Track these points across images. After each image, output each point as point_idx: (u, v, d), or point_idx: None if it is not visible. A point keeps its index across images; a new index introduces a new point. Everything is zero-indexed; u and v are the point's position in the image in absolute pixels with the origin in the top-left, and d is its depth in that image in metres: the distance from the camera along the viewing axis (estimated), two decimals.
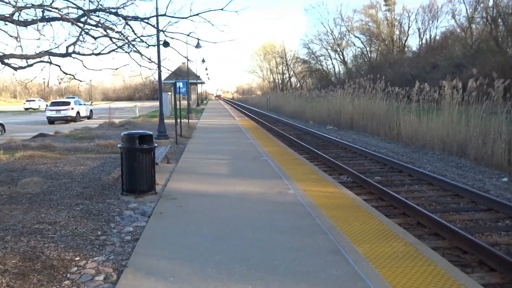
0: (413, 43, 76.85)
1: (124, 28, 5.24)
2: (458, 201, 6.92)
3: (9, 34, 4.83)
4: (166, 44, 8.61)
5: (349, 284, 3.17)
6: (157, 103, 16.85)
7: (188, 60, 20.79)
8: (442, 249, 4.73)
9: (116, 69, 6.78)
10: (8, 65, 5.39)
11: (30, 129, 20.38)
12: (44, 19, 4.21)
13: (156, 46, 7.13)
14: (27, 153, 9.26)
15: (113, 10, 4.28)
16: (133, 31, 5.33)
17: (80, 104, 27.71)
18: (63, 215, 4.94)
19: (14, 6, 3.92)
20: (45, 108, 50.75)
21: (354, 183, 8.21)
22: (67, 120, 25.49)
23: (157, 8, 8.46)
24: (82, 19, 4.22)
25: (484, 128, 11.75)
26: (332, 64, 64.46)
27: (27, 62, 5.59)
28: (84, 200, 5.67)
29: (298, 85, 73.49)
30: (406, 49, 53.35)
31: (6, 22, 4.32)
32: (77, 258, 3.75)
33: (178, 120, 13.39)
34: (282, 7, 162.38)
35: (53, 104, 26.51)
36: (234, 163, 8.89)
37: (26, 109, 50.66)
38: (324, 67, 66.31)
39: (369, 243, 4.02)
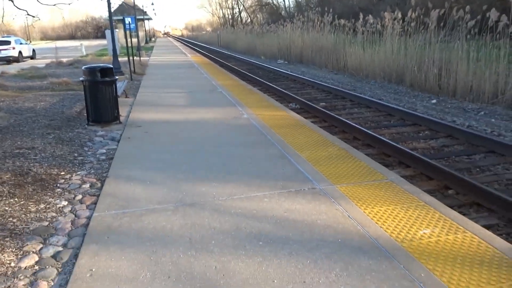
0: None
1: None
2: (389, 119, 7.99)
3: None
4: None
5: (292, 177, 4.02)
6: (101, 42, 16.53)
7: None
8: (371, 155, 5.72)
9: (69, 4, 6.88)
10: None
11: None
12: None
13: None
14: None
15: None
16: None
17: (21, 44, 26.23)
18: (38, 142, 5.41)
19: None
20: None
21: (302, 109, 9.07)
22: (8, 60, 24.26)
23: None
24: None
25: (419, 57, 12.83)
26: None
27: None
28: (53, 130, 6.11)
29: (249, 20, 72.08)
30: None
31: None
32: (62, 173, 4.33)
33: (131, 58, 13.44)
34: None
35: None
36: (190, 96, 9.42)
37: None
38: (274, 1, 65.11)
39: (310, 150, 4.89)
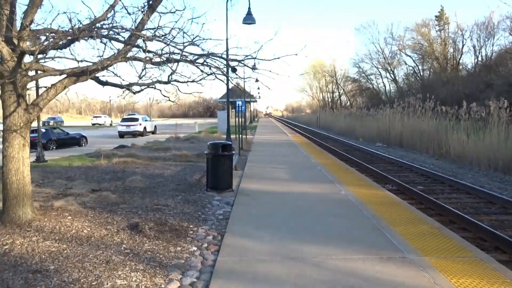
0: (469, 61, 74.95)
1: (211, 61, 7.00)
2: (490, 206, 7.94)
3: (136, 70, 6.65)
4: (234, 70, 10.38)
5: (384, 246, 4.51)
6: (211, 120, 18.63)
7: (244, 80, 22.71)
8: (466, 238, 5.88)
9: (201, 92, 8.51)
10: (130, 90, 7.25)
11: (106, 141, 23.08)
12: (171, 60, 6.00)
13: (226, 78, 8.73)
14: (121, 159, 11.30)
15: (219, 55, 6.01)
16: (221, 64, 7.04)
17: (146, 120, 30.52)
18: (170, 201, 6.65)
19: (150, 53, 5.75)
20: (110, 123, 55.11)
21: (398, 190, 9.38)
22: (135, 134, 28.24)
23: (227, 50, 10.26)
24: (199, 61, 5.96)
25: None
26: (383, 82, 64.39)
27: (141, 88, 7.45)
28: (180, 193, 7.39)
29: (348, 103, 73.95)
30: (460, 67, 52.43)
31: (139, 62, 6.15)
32: (191, 226, 5.38)
33: (240, 136, 15.13)
34: (333, 27, 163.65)
35: (124, 120, 29.48)
36: (292, 171, 10.37)
37: (93, 124, 55.18)
38: (374, 86, 66.43)
39: (402, 225, 5.33)
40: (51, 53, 5.52)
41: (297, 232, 5.08)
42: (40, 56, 5.25)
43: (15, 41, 5.10)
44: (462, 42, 51.60)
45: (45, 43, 4.85)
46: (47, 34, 5.01)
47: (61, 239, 4.61)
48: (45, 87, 5.79)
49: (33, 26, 5.39)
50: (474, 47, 49.07)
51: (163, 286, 3.61)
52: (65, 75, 5.54)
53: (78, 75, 5.55)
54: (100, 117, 58.70)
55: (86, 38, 5.03)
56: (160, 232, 4.96)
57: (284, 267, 3.95)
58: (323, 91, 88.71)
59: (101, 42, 5.46)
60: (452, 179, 10.51)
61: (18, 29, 5.31)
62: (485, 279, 3.65)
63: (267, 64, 7.18)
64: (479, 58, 48.42)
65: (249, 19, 12.16)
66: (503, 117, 14.78)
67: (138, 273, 3.80)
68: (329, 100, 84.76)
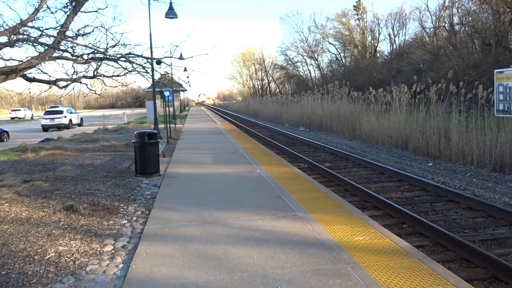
0: (385, 48, 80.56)
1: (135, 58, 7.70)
2: (380, 176, 9.54)
3: (64, 68, 7.14)
4: (158, 62, 11.05)
5: (282, 209, 5.65)
6: (140, 110, 18.98)
7: (171, 70, 23.16)
8: (353, 202, 7.25)
9: (127, 85, 9.14)
10: (57, 85, 7.73)
11: (30, 136, 22.39)
12: (94, 59, 6.60)
13: (151, 69, 9.44)
14: (49, 152, 11.51)
15: (139, 54, 6.75)
16: (142, 61, 7.77)
17: (71, 113, 29.71)
18: (101, 186, 7.32)
19: (75, 55, 6.34)
20: (31, 117, 52.11)
21: (309, 168, 10.75)
22: (60, 127, 27.47)
23: (151, 48, 10.84)
24: (122, 59, 6.64)
25: (422, 126, 14.43)
26: (308, 70, 67.45)
27: (67, 83, 7.94)
28: (110, 179, 8.05)
29: (277, 90, 76.37)
30: (378, 54, 56.48)
31: (65, 61, 6.70)
32: (121, 205, 6.15)
33: (168, 125, 15.77)
34: (260, 16, 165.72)
35: (48, 113, 28.46)
36: (216, 156, 11.35)
37: (12, 118, 51.88)
38: (301, 73, 69.24)
39: (300, 193, 6.54)
40: None
41: (215, 204, 6.08)
42: None
43: None
44: (379, 31, 55.57)
45: None
46: None
47: (2, 222, 5.19)
48: None
49: None
50: (389, 35, 53.08)
51: (99, 249, 4.42)
52: None
53: (7, 73, 6.02)
54: (20, 110, 55.27)
55: (19, 44, 5.53)
56: (94, 211, 5.69)
57: (200, 228, 4.92)
58: (253, 79, 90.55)
59: (29, 44, 5.96)
60: (356, 157, 12.14)
61: None
62: (350, 225, 4.91)
63: (194, 54, 7.96)
64: (394, 46, 52.66)
65: (171, 13, 12.77)
66: (403, 101, 16.91)
67: (77, 241, 4.57)
68: (259, 87, 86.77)
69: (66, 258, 4.11)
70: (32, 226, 5.04)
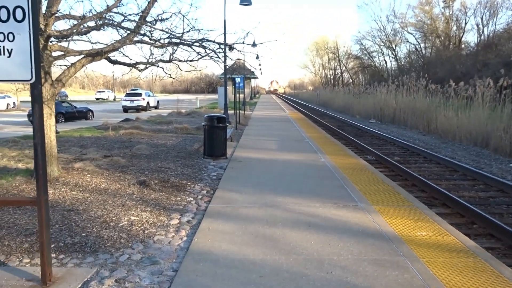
0: (472, 39, 74.80)
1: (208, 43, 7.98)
2: (453, 174, 9.02)
3: (143, 51, 7.61)
4: (230, 48, 11.30)
5: (344, 198, 5.60)
6: (212, 96, 19.56)
7: (243, 57, 23.54)
8: (420, 198, 6.97)
9: (200, 70, 9.51)
10: (136, 68, 8.25)
11: (111, 115, 24.17)
12: (170, 43, 6.98)
13: (223, 55, 9.66)
14: (127, 131, 12.38)
15: (213, 40, 7.00)
16: (215, 47, 8.02)
17: (149, 96, 31.49)
18: (172, 165, 7.76)
19: (153, 39, 6.73)
20: (114, 98, 55.99)
21: (376, 161, 10.46)
22: (138, 109, 29.25)
23: (225, 33, 11.09)
24: (195, 44, 6.95)
25: (507, 124, 13.33)
26: (384, 60, 64.66)
27: (145, 66, 8.45)
28: (180, 159, 8.49)
29: (350, 80, 74.40)
30: (463, 45, 52.64)
31: (144, 45, 7.15)
32: (189, 183, 6.49)
33: (237, 111, 16.15)
34: (336, 3, 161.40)
35: (128, 95, 30.44)
36: (282, 143, 11.45)
37: (97, 99, 56.11)
38: (376, 63, 66.67)
39: (364, 185, 6.43)
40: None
41: (277, 188, 6.19)
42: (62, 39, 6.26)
43: (42, 27, 6.09)
44: (465, 20, 51.59)
45: (69, 30, 5.83)
46: (77, 20, 5.97)
47: (84, 190, 5.75)
48: (66, 66, 6.81)
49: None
50: (477, 25, 49.20)
51: (166, 221, 4.74)
52: (83, 56, 6.55)
53: (93, 55, 6.56)
54: (104, 92, 59.64)
55: (104, 27, 6.00)
56: (163, 187, 6.08)
57: (260, 210, 5.06)
58: (326, 68, 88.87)
59: (113, 28, 6.43)
60: (428, 152, 11.56)
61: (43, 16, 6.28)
62: (413, 219, 4.75)
63: (265, 41, 8.08)
64: (482, 37, 48.72)
65: (245, 0, 12.97)
66: (486, 96, 15.71)
67: (147, 213, 4.94)
68: (331, 77, 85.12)
69: (137, 227, 4.47)
70: (109, 196, 5.53)
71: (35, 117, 3.05)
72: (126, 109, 29.15)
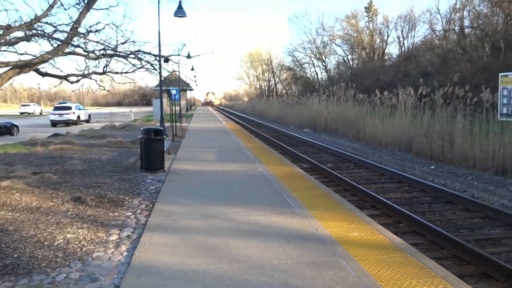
0: (394, 51, 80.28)
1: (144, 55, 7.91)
2: (380, 177, 9.67)
3: (76, 63, 7.37)
4: (166, 60, 11.26)
5: (282, 205, 5.81)
6: (147, 109, 19.20)
7: (178, 68, 23.40)
8: (352, 201, 7.40)
9: (135, 82, 9.37)
10: (68, 80, 7.96)
11: (39, 130, 22.73)
12: (105, 55, 6.82)
13: (158, 67, 9.63)
14: (58, 146, 11.77)
15: (148, 51, 6.96)
16: (151, 58, 7.98)
17: (80, 109, 30.09)
18: (108, 180, 7.53)
19: (87, 51, 6.56)
20: (40, 112, 52.69)
21: (311, 168, 10.90)
22: (68, 123, 27.82)
23: (160, 46, 11.02)
24: (131, 56, 6.86)
25: (426, 129, 14.51)
26: (315, 71, 67.33)
27: (78, 78, 8.18)
28: (117, 173, 8.27)
29: (284, 91, 76.42)
30: (386, 57, 56.30)
31: (77, 56, 6.93)
32: (127, 198, 6.36)
33: (174, 123, 15.99)
34: (268, 17, 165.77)
35: (57, 108, 28.84)
36: (220, 154, 11.54)
37: (21, 113, 52.44)
38: (308, 74, 69.16)
39: (300, 191, 6.71)
40: None
41: (216, 199, 6.26)
42: None
43: None
44: (387, 33, 55.32)
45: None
46: (2, 30, 5.65)
47: (14, 210, 5.42)
48: None
49: None
50: (398, 38, 52.98)
51: (105, 237, 4.62)
52: (9, 67, 6.20)
53: (21, 67, 6.25)
54: (29, 105, 55.91)
55: (35, 38, 5.75)
56: (100, 203, 5.90)
57: (201, 221, 5.11)
58: (260, 79, 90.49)
59: (43, 38, 6.18)
60: (358, 158, 12.27)
61: None
62: (346, 221, 5.06)
63: (201, 53, 8.12)
64: (403, 49, 52.54)
65: (180, 12, 12.98)
66: (408, 104, 17.00)
67: (84, 230, 4.78)
68: (266, 88, 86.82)
69: (74, 245, 4.31)
70: (41, 214, 5.26)
71: None
72: (54, 124, 27.58)
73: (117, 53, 7.13)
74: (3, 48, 5.96)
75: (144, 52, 7.48)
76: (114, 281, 3.57)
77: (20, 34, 5.69)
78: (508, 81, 9.63)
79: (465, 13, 36.85)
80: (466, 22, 36.85)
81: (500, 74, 10.16)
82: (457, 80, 15.24)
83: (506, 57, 27.03)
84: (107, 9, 7.43)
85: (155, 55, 7.34)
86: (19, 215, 5.19)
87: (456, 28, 37.97)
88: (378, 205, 7.04)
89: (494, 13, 31.47)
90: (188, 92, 58.41)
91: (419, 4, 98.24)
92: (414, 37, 51.37)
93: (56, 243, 4.34)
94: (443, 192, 7.74)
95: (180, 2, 13.32)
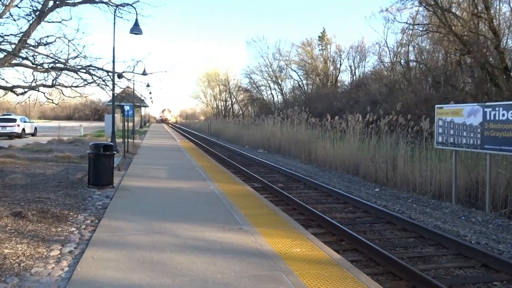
0: (346, 78, 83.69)
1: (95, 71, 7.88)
2: (327, 198, 10.05)
3: (24, 75, 7.23)
4: (120, 76, 11.20)
5: (230, 222, 5.93)
6: (98, 124, 18.78)
7: (133, 85, 23.14)
8: (299, 220, 7.63)
9: (86, 96, 9.23)
10: (14, 92, 7.73)
11: None
12: (54, 68, 6.73)
13: (111, 82, 9.57)
14: None
15: (101, 67, 6.95)
16: (103, 74, 7.95)
17: (25, 122, 28.76)
18: (52, 195, 7.31)
19: (35, 64, 6.46)
20: None
21: (262, 188, 11.11)
22: (11, 136, 26.47)
23: (114, 61, 11.01)
24: (82, 70, 6.81)
25: (372, 154, 15.21)
26: (272, 94, 68.73)
27: (25, 90, 7.96)
28: (62, 188, 8.04)
29: (240, 112, 77.13)
30: (339, 84, 58.59)
31: (25, 68, 6.79)
32: (71, 213, 6.21)
33: (126, 139, 15.73)
34: (226, 38, 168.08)
35: (0, 120, 27.38)
36: (172, 172, 11.49)
37: None
38: (264, 96, 70.40)
39: (249, 209, 6.86)
40: None
41: (166, 215, 6.27)
42: None
43: None
44: (340, 61, 57.83)
45: None
46: None
47: None
48: None
49: None
50: (350, 66, 55.48)
51: (45, 253, 4.51)
52: None
53: None
54: None
55: None
56: (42, 218, 5.74)
57: (148, 237, 5.11)
58: (217, 99, 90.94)
59: None
60: (308, 179, 12.65)
61: None
62: (290, 238, 5.26)
63: (155, 71, 8.19)
64: (354, 77, 55.00)
65: (136, 29, 12.98)
66: (357, 130, 17.80)
67: (23, 245, 4.64)
68: (222, 108, 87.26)
69: (11, 260, 4.18)
70: None
71: None
72: None
73: (68, 67, 7.07)
74: None
75: (96, 68, 7.48)
76: None
77: None
78: (443, 113, 10.40)
79: (411, 48, 39.38)
80: (412, 56, 39.37)
81: (436, 106, 10.95)
82: (399, 109, 16.26)
83: (445, 91, 29.04)
84: (60, 22, 7.39)
85: (107, 71, 7.34)
86: None
87: (402, 61, 40.41)
88: (323, 224, 7.32)
89: (436, 50, 33.86)
90: (142, 108, 57.47)
91: (369, 36, 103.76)
92: (364, 67, 54.07)
93: None
94: (384, 213, 8.18)
95: (136, 20, 13.34)
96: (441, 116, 10.55)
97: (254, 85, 71.07)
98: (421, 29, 31.41)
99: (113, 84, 9.37)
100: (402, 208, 9.63)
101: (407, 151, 13.73)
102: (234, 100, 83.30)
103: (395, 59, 43.43)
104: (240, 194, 8.24)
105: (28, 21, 6.97)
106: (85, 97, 9.28)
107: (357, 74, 54.12)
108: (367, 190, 12.58)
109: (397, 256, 5.67)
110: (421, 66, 36.72)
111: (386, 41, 61.36)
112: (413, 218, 8.18)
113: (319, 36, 60.47)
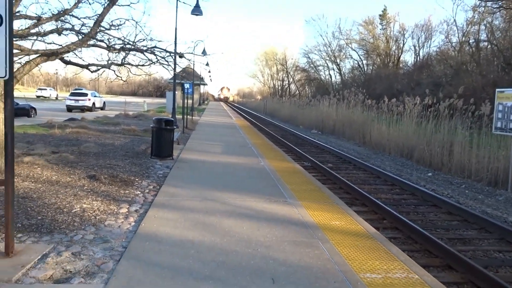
0: (410, 59, 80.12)
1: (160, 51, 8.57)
2: (375, 179, 10.19)
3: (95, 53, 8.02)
4: (181, 56, 11.89)
5: (275, 195, 6.40)
6: (160, 100, 19.87)
7: (193, 65, 24.07)
8: (343, 198, 7.94)
9: (150, 75, 10.00)
10: (88, 69, 8.63)
11: (55, 114, 23.65)
12: (124, 49, 7.48)
13: (173, 63, 10.25)
14: (74, 130, 12.51)
15: (164, 48, 7.61)
16: (166, 54, 8.61)
17: (95, 96, 30.98)
18: (120, 163, 8.20)
19: (109, 46, 7.22)
20: (56, 97, 53.90)
21: (312, 167, 11.46)
22: (83, 109, 28.72)
23: (175, 43, 11.68)
24: (148, 51, 7.51)
25: (429, 138, 14.92)
26: (330, 74, 67.63)
27: (98, 68, 8.84)
28: (128, 158, 8.93)
29: (297, 92, 76.83)
30: (401, 64, 56.38)
31: (99, 48, 7.59)
32: (137, 179, 7.00)
33: (185, 116, 16.67)
34: (285, 17, 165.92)
35: (73, 94, 29.78)
36: (226, 147, 12.16)
37: (38, 96, 53.70)
38: (322, 77, 69.48)
39: (295, 184, 7.29)
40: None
41: (217, 186, 6.88)
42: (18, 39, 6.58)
43: None
44: (403, 41, 55.42)
45: (26, 30, 6.19)
46: (33, 21, 6.32)
47: (36, 181, 6.10)
48: (20, 63, 7.09)
49: None
50: (414, 46, 53.04)
51: (116, 210, 5.26)
52: (38, 55, 6.88)
53: (49, 55, 6.92)
54: (46, 89, 57.28)
55: (65, 32, 6.42)
56: (113, 181, 6.56)
57: (201, 203, 5.73)
58: (274, 79, 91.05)
59: (73, 33, 6.84)
60: (358, 160, 12.79)
61: None
62: (331, 213, 5.63)
63: (212, 52, 8.73)
64: (418, 58, 52.59)
65: (196, 11, 13.61)
66: (414, 113, 17.42)
67: (98, 202, 5.43)
68: (279, 87, 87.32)
69: (89, 214, 4.96)
70: (61, 187, 5.93)
71: (7, 110, 3.53)
72: (70, 109, 28.52)
73: (136, 48, 7.78)
74: (34, 38, 6.63)
75: (161, 49, 8.13)
76: (122, 243, 4.19)
77: (50, 27, 6.36)
78: (504, 97, 10.05)
79: (482, 27, 36.91)
80: (482, 36, 36.90)
81: (497, 89, 10.57)
82: (461, 92, 15.65)
83: None
84: (128, 5, 8.09)
85: (170, 52, 7.97)
86: (41, 186, 5.87)
87: (471, 41, 38.08)
88: (367, 202, 7.58)
89: (510, 28, 31.54)
90: (201, 86, 59.22)
91: (437, 14, 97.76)
92: (429, 47, 51.37)
93: (73, 210, 4.99)
94: (431, 196, 8.24)
95: (197, 1, 13.95)
96: (502, 101, 10.21)
97: (312, 65, 70.23)
98: (494, 6, 29.38)
99: (175, 64, 10.04)
100: (453, 193, 9.58)
101: (466, 137, 13.34)
102: (291, 79, 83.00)
103: (463, 38, 40.99)
104: (289, 171, 8.68)
105: (102, 4, 7.72)
106: (149, 75, 10.07)
107: (421, 54, 51.63)
108: (419, 174, 12.50)
109: (437, 236, 5.85)
110: (492, 46, 34.45)
111: (455, 19, 57.73)
112: (461, 203, 8.18)
113: (380, 15, 58.22)
